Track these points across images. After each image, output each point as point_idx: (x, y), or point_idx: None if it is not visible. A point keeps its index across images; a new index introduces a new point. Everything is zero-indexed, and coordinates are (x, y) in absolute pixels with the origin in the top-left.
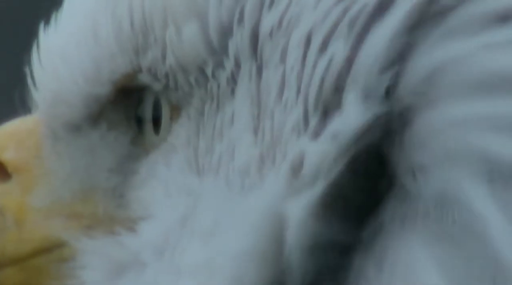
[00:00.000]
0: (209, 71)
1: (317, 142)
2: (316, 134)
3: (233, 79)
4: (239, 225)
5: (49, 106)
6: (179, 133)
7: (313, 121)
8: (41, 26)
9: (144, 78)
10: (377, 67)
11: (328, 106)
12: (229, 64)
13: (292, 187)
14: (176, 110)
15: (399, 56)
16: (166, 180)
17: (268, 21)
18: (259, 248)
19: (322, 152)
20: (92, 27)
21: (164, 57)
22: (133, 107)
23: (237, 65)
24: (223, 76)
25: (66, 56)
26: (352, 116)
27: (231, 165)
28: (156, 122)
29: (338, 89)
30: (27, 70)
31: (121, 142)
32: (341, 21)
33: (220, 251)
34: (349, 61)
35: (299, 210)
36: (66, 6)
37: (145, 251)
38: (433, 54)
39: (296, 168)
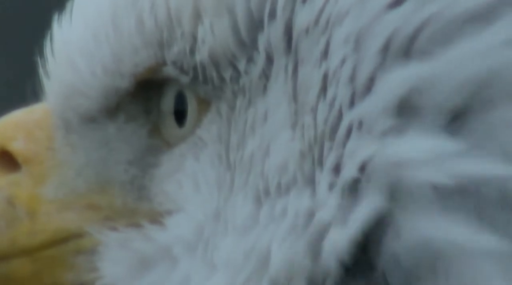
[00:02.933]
0: (240, 66)
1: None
2: (374, 131)
3: (265, 75)
4: (275, 222)
5: (64, 98)
6: (209, 127)
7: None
8: (54, 17)
9: (169, 71)
10: None
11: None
12: (260, 59)
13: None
14: (204, 104)
15: None
16: (195, 174)
17: (304, 17)
18: (296, 249)
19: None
20: (111, 20)
21: (192, 51)
22: (153, 100)
23: (269, 60)
24: (255, 71)
25: (83, 48)
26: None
27: (266, 161)
28: (179, 115)
29: None
30: (37, 61)
31: (138, 134)
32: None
33: (252, 248)
34: None
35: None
36: None
37: (176, 245)
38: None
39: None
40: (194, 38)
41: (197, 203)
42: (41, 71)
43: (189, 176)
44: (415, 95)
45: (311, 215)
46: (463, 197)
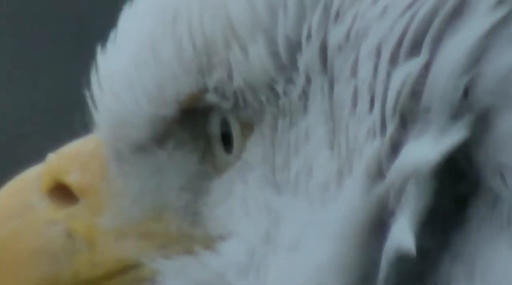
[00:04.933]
0: (279, 88)
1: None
2: (395, 141)
3: (304, 95)
4: (320, 237)
5: (113, 128)
6: (254, 150)
7: (391, 129)
8: (98, 48)
9: (211, 98)
10: (456, 71)
11: (406, 112)
12: (299, 80)
13: (370, 193)
14: (247, 128)
15: (476, 59)
16: (244, 197)
17: (336, 34)
18: (341, 257)
19: (402, 160)
20: (152, 49)
21: (230, 77)
22: (200, 126)
23: (308, 80)
24: (295, 92)
25: (127, 78)
26: (434, 120)
27: (310, 181)
28: (225, 140)
29: (416, 95)
30: (86, 91)
31: (189, 160)
32: (409, 29)
33: (304, 264)
34: (426, 67)
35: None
36: (121, 27)
37: (230, 271)
38: (509, 54)
39: (374, 174)
40: (231, 64)
41: (248, 226)
42: (89, 102)
43: (238, 200)
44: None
45: None
46: None
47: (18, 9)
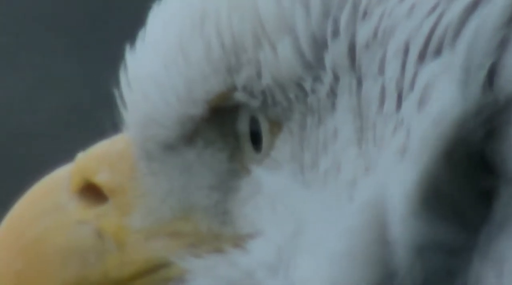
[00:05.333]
0: (307, 86)
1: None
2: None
3: (332, 93)
4: (348, 234)
5: (142, 128)
6: (282, 148)
7: (417, 125)
8: (127, 47)
9: (240, 97)
10: (477, 60)
11: None
12: (327, 78)
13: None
14: (276, 126)
15: (498, 48)
16: (272, 195)
17: (364, 32)
18: (361, 251)
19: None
20: (181, 49)
21: (259, 75)
22: (228, 124)
23: (336, 78)
24: (322, 90)
25: (155, 78)
26: (452, 102)
27: (338, 178)
28: (254, 137)
29: None
30: (115, 91)
31: (218, 159)
32: (437, 27)
33: (332, 262)
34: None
35: (400, 206)
36: (150, 27)
37: (259, 270)
38: None
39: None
40: (259, 63)
41: (276, 224)
42: (118, 101)
43: (266, 198)
44: None
45: None
46: None
47: (50, 8)
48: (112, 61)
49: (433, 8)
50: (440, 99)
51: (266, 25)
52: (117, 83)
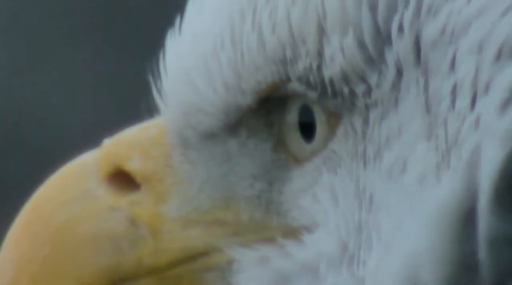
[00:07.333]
0: (371, 80)
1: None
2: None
3: (395, 88)
4: (417, 229)
5: (182, 115)
6: (343, 140)
7: (497, 126)
8: (167, 33)
9: (295, 87)
10: None
11: None
12: (389, 73)
13: (468, 185)
14: (335, 117)
15: None
16: (333, 187)
17: (431, 29)
18: (439, 249)
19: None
20: (230, 38)
21: (319, 67)
22: (275, 114)
23: (399, 73)
24: (385, 84)
25: (201, 66)
26: None
27: (405, 172)
28: (304, 128)
29: None
30: (149, 78)
31: (262, 148)
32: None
33: (401, 257)
34: None
35: (483, 202)
36: (191, 15)
37: (320, 263)
38: None
39: (474, 168)
40: (320, 55)
41: (338, 217)
42: (154, 88)
43: (326, 190)
44: None
45: None
46: None
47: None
48: (148, 50)
49: (507, 10)
50: None
51: (330, 18)
52: (152, 71)
